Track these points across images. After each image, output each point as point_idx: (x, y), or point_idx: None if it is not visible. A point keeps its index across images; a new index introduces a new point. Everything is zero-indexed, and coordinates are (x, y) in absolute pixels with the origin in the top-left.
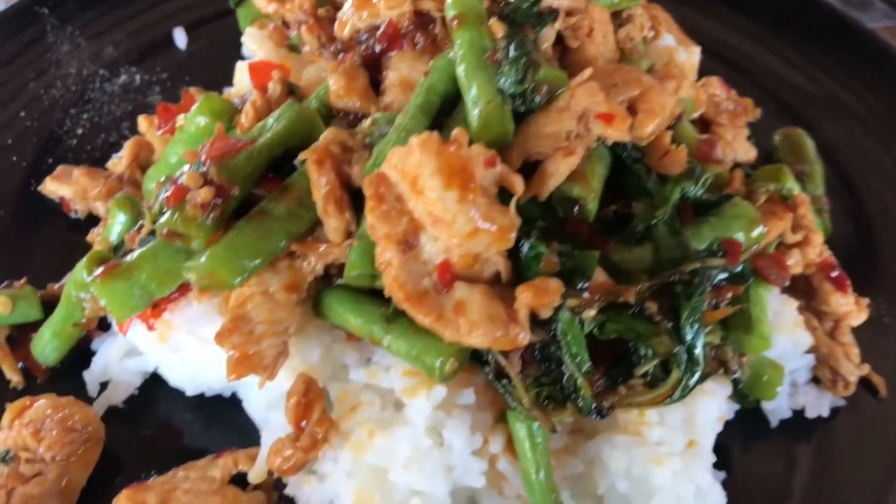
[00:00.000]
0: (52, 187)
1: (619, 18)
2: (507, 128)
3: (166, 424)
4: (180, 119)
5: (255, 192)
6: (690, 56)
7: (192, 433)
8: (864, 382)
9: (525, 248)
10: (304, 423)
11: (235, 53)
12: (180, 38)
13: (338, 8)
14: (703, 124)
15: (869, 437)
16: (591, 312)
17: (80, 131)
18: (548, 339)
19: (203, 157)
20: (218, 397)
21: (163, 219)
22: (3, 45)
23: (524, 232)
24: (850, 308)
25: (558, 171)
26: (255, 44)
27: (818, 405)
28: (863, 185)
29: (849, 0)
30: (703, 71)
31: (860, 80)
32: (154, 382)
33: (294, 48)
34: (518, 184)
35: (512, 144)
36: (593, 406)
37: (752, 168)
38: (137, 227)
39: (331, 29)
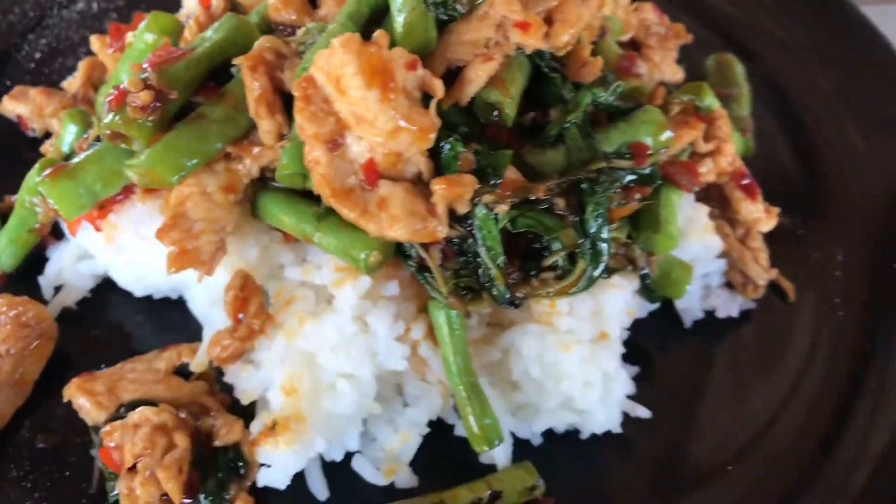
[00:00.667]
0: (10, 106)
1: None
2: (430, 34)
3: (117, 325)
4: (129, 37)
5: (196, 99)
6: None
7: (142, 333)
8: (776, 288)
9: (445, 149)
10: (241, 316)
11: None
12: None
13: None
14: (634, 46)
15: (776, 339)
16: (504, 207)
17: (37, 55)
18: (465, 233)
19: (145, 66)
20: (166, 300)
21: (106, 120)
22: None
23: (445, 134)
24: (760, 215)
25: (478, 77)
26: None
27: (729, 307)
28: (798, 108)
29: None
30: None
31: (799, 11)
32: (106, 286)
33: None
34: (438, 87)
35: (435, 52)
36: (507, 296)
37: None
38: (86, 135)
39: None
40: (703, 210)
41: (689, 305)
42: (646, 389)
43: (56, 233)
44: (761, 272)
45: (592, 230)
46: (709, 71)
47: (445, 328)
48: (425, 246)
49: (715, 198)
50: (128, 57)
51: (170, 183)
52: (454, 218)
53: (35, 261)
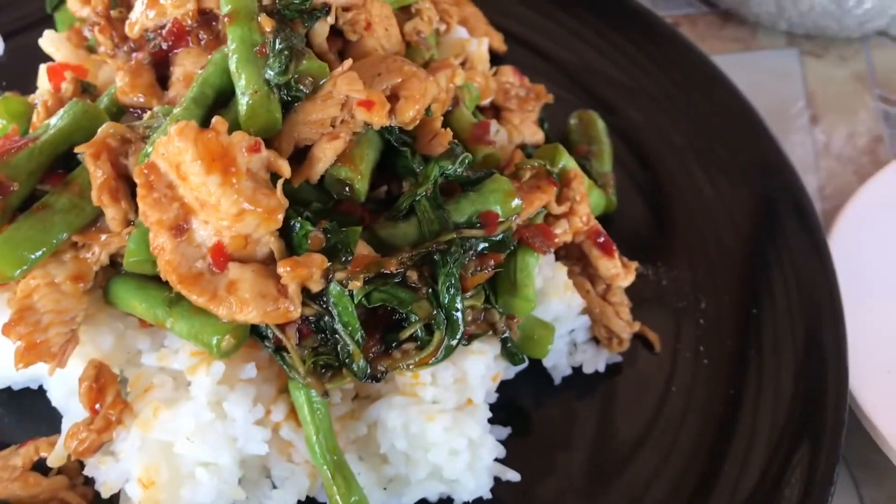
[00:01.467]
0: None
1: (408, 13)
2: (274, 116)
3: None
4: None
5: (41, 188)
6: (481, 46)
7: (2, 426)
8: (643, 339)
9: (296, 228)
10: (97, 406)
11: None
12: None
13: (130, 9)
14: (495, 110)
15: (644, 389)
16: (357, 283)
17: None
18: (321, 310)
19: None
20: (26, 390)
21: None
22: None
23: (295, 213)
24: (618, 271)
25: (325, 156)
26: (52, 46)
27: (595, 362)
28: (655, 161)
29: None
30: (513, 62)
31: (655, 64)
32: None
33: (92, 49)
34: (284, 168)
35: (281, 133)
36: (367, 370)
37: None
38: None
39: (122, 29)
40: (563, 269)
41: (557, 363)
42: (518, 450)
43: None
44: (625, 326)
45: (446, 301)
46: (572, 128)
47: (306, 408)
48: (281, 326)
49: (574, 256)
50: None
51: (12, 278)
52: (309, 296)
53: None
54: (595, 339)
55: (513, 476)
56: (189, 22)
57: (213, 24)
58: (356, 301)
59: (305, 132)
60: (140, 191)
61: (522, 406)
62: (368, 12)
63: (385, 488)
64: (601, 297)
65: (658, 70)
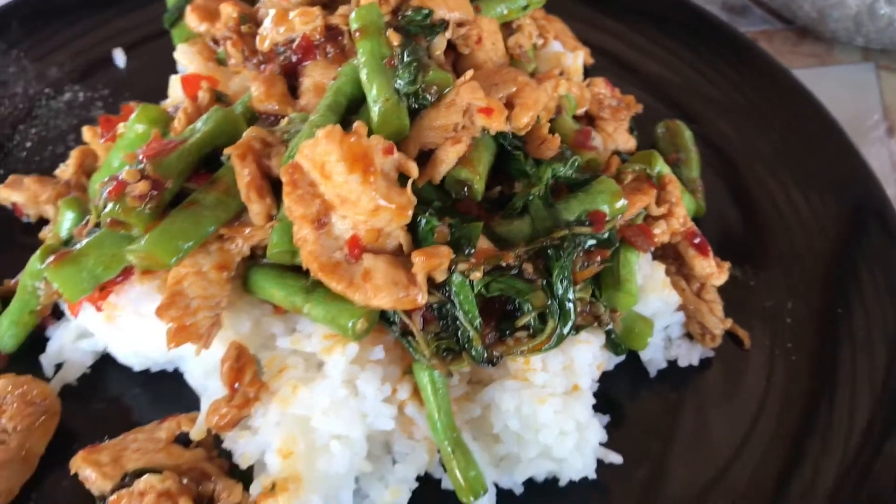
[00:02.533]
0: (5, 194)
1: (509, 28)
2: (403, 122)
3: (116, 399)
4: (121, 127)
5: (188, 186)
6: (576, 59)
7: (140, 405)
8: (732, 336)
9: (422, 223)
10: (236, 385)
11: (170, 70)
12: (119, 58)
13: (258, 24)
14: (589, 118)
15: (734, 383)
16: (478, 274)
17: (28, 144)
18: (444, 299)
19: (140, 157)
20: (162, 373)
21: (106, 209)
22: None
23: (421, 210)
24: (713, 270)
25: (448, 158)
26: (185, 59)
27: (689, 356)
28: (741, 168)
29: (732, 7)
30: (599, 73)
31: (738, 77)
32: (105, 362)
33: (221, 62)
34: (413, 169)
35: (408, 137)
36: (484, 355)
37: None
38: (84, 222)
39: (253, 43)
40: (660, 268)
41: (653, 356)
42: (617, 437)
43: (56, 313)
44: (717, 322)
45: (559, 292)
46: (659, 137)
47: (429, 388)
48: (407, 312)
49: (671, 256)
50: (119, 146)
51: (167, 265)
52: (433, 285)
53: (35, 340)
54: (689, 335)
55: (615, 458)
56: (317, 37)
57: (339, 38)
58: (476, 291)
59: (430, 136)
60: (286, 188)
61: (620, 397)
62: (479, 28)
63: (496, 466)
64: (696, 294)
65: (741, 83)
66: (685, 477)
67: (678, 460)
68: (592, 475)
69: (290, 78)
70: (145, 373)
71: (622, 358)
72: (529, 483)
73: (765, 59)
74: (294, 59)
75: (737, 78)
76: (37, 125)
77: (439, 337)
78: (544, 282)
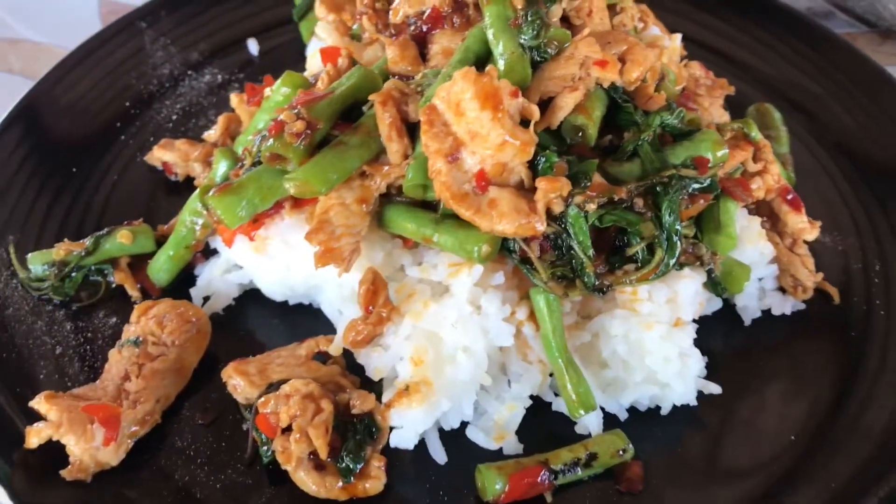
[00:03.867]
0: (158, 154)
1: (614, 10)
2: (527, 72)
3: (258, 328)
4: (267, 91)
5: (332, 133)
6: (674, 41)
7: (278, 334)
8: (821, 293)
9: (541, 161)
10: (370, 308)
11: (297, 56)
12: (253, 46)
13: (390, 2)
14: (685, 96)
15: (827, 334)
16: (592, 206)
17: (174, 117)
18: (559, 229)
19: (295, 104)
20: (298, 307)
21: (267, 144)
22: (111, 53)
23: (540, 150)
24: (805, 225)
25: (566, 104)
26: (324, 33)
27: (782, 306)
28: (826, 144)
29: (816, 13)
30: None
31: (825, 65)
32: (247, 297)
33: (354, 37)
34: (535, 111)
35: (530, 87)
36: (595, 282)
37: None
38: (238, 166)
39: (386, 18)
40: (756, 220)
41: (748, 304)
42: (715, 376)
43: (206, 252)
44: (809, 275)
45: (667, 224)
46: (750, 116)
47: (545, 310)
48: (526, 241)
49: (764, 214)
50: (265, 108)
51: (319, 192)
52: (550, 217)
53: (184, 280)
54: (781, 290)
55: (715, 389)
56: (445, 8)
57: (465, 9)
58: (589, 222)
59: (550, 86)
60: (423, 126)
61: (717, 341)
62: (591, 2)
63: (603, 391)
64: (788, 249)
65: (828, 70)
66: (784, 413)
67: (776, 396)
68: (693, 402)
69: (420, 46)
70: (283, 306)
71: (719, 306)
72: (633, 410)
73: (848, 49)
74: (424, 28)
75: (823, 66)
76: (181, 101)
77: (554, 265)
78: (653, 215)
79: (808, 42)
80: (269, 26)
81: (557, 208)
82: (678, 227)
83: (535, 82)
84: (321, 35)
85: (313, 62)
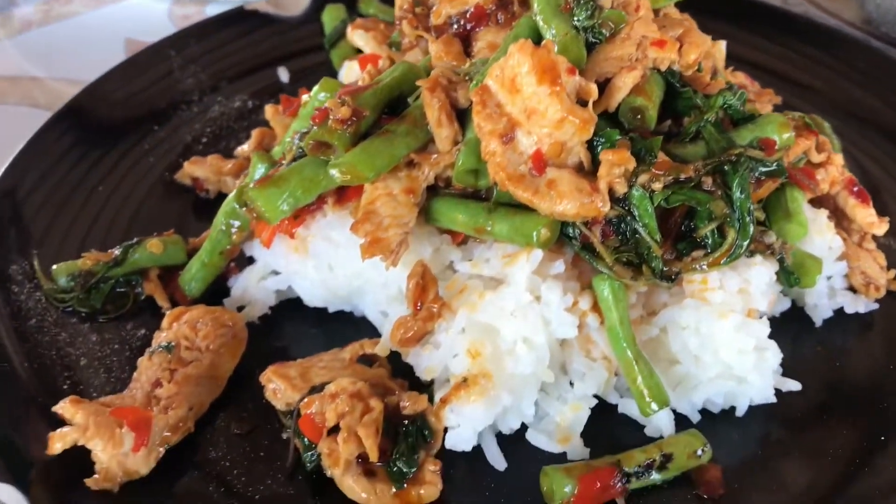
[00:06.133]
0: (189, 170)
1: (656, 14)
2: (582, 53)
3: (295, 336)
4: (304, 98)
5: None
6: (719, 45)
7: (317, 343)
8: (891, 293)
9: (600, 142)
10: (419, 304)
11: None
12: (283, 74)
13: (429, 7)
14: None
15: None
16: (659, 185)
17: (204, 140)
18: (623, 212)
19: (339, 94)
20: (338, 315)
21: (311, 132)
22: (138, 77)
23: (598, 131)
24: (874, 219)
25: (624, 84)
26: (361, 41)
27: (855, 305)
28: (881, 155)
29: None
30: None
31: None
32: (284, 307)
33: (393, 45)
34: (593, 90)
35: (585, 69)
36: (663, 269)
37: None
38: (276, 167)
39: (426, 21)
40: (823, 212)
41: (819, 303)
42: (791, 373)
43: (239, 262)
44: (881, 272)
45: (738, 202)
46: None
47: (611, 298)
48: (587, 225)
49: (829, 208)
50: (303, 115)
51: (367, 179)
52: (613, 199)
53: (216, 291)
54: (851, 289)
55: (793, 385)
56: (490, 6)
57: (509, 6)
58: (655, 203)
59: (606, 67)
60: (476, 107)
61: (787, 342)
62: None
63: (673, 390)
64: (857, 245)
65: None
66: (865, 410)
67: (858, 394)
68: (773, 398)
69: (463, 44)
70: (323, 314)
71: (786, 306)
72: (706, 413)
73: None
74: (468, 27)
75: (860, 79)
76: (210, 125)
77: (618, 251)
78: (723, 193)
79: (852, 56)
80: (302, 55)
81: (621, 189)
82: (750, 205)
83: (591, 64)
84: (359, 43)
85: (349, 73)
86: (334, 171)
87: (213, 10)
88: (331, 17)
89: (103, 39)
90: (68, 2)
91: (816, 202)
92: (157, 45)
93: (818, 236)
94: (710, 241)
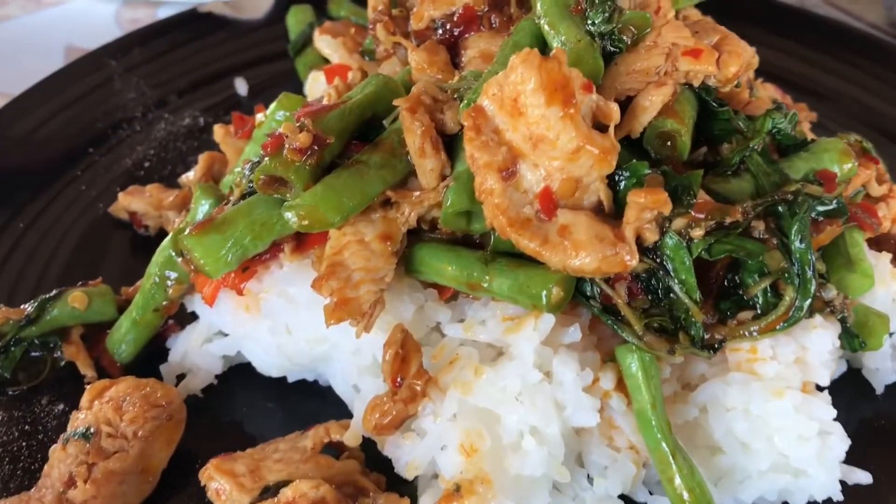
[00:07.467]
0: (125, 202)
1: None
2: (598, 64)
3: (247, 413)
4: (259, 117)
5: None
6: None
7: (274, 421)
8: None
9: (624, 176)
10: (399, 380)
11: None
12: (241, 86)
13: (408, 9)
14: None
15: None
16: (699, 232)
17: (146, 164)
18: (654, 265)
19: (298, 117)
20: (301, 384)
21: (261, 165)
22: (70, 87)
23: (621, 163)
24: None
25: (652, 104)
26: (329, 49)
27: None
28: None
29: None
30: None
31: None
32: (232, 374)
33: (366, 53)
34: (614, 111)
35: (602, 84)
36: (704, 336)
37: None
38: (223, 203)
39: (405, 25)
40: (885, 257)
41: (881, 366)
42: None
43: (179, 319)
44: None
45: (798, 252)
46: None
47: (640, 375)
48: (610, 282)
49: (890, 251)
50: (257, 138)
51: (332, 224)
52: (641, 250)
53: (153, 354)
54: None
55: (863, 477)
56: (481, 6)
57: (505, 7)
58: (694, 254)
59: (628, 82)
60: (468, 134)
61: (848, 414)
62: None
63: (715, 485)
64: None
65: None
66: None
67: None
68: (838, 495)
69: (450, 53)
70: (281, 384)
71: (843, 369)
72: None
73: None
74: (455, 32)
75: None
76: (155, 147)
77: (648, 314)
78: (778, 242)
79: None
80: (260, 63)
81: (652, 237)
82: (811, 256)
83: (609, 79)
84: (326, 51)
85: (314, 86)
86: (290, 215)
87: (165, 14)
88: (296, 19)
89: (41, 46)
90: (3, 4)
91: (874, 243)
92: (94, 52)
93: (881, 287)
94: (759, 301)
